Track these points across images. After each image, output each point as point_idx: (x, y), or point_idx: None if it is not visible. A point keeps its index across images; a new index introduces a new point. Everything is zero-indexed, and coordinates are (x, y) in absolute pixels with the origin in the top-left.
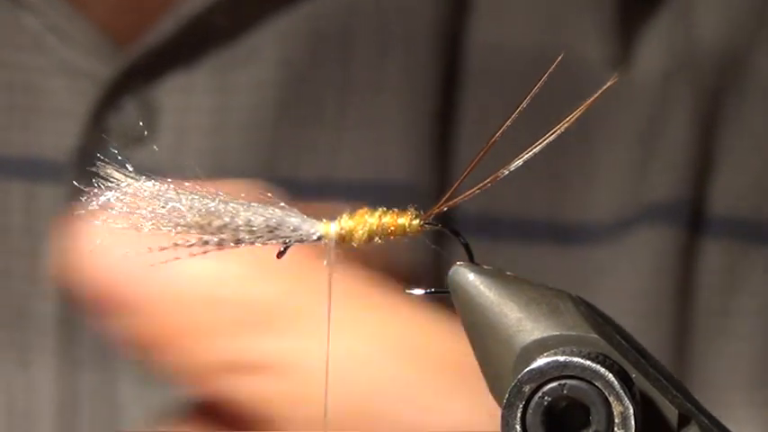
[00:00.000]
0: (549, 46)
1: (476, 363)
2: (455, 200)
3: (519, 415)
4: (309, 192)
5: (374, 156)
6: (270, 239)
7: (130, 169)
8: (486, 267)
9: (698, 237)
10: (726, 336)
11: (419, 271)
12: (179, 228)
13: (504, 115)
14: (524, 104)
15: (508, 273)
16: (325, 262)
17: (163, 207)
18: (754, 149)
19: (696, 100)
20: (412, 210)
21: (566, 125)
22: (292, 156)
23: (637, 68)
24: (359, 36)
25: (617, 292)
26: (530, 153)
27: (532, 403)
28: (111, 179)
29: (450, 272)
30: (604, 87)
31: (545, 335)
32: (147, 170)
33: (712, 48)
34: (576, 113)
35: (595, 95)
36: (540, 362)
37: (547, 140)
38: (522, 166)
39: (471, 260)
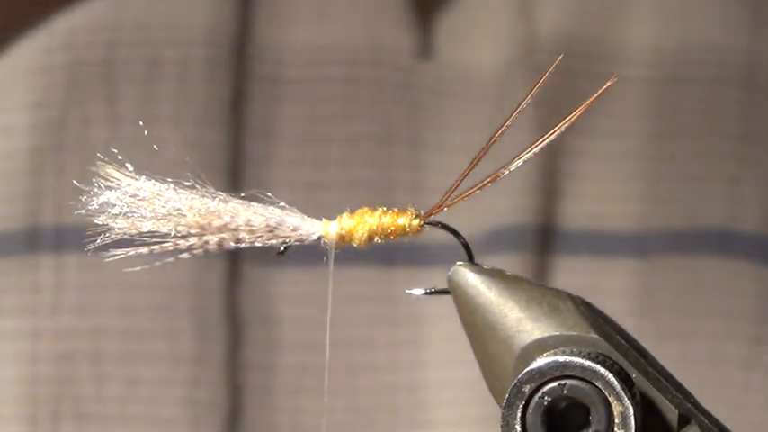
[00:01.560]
0: (361, 44)
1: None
2: (455, 200)
3: (519, 415)
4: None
5: None
6: (270, 239)
7: (130, 169)
8: (486, 267)
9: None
10: None
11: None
12: (179, 228)
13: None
14: (522, 106)
15: (508, 273)
16: (325, 260)
17: (163, 207)
18: (600, 157)
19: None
20: (412, 209)
21: (565, 125)
22: (57, 202)
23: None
24: (122, 69)
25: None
26: (529, 153)
27: (532, 403)
28: (111, 179)
29: (450, 272)
30: (603, 88)
31: (545, 335)
32: None
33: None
34: (576, 114)
35: (594, 96)
36: (540, 362)
37: (546, 140)
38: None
39: (471, 260)
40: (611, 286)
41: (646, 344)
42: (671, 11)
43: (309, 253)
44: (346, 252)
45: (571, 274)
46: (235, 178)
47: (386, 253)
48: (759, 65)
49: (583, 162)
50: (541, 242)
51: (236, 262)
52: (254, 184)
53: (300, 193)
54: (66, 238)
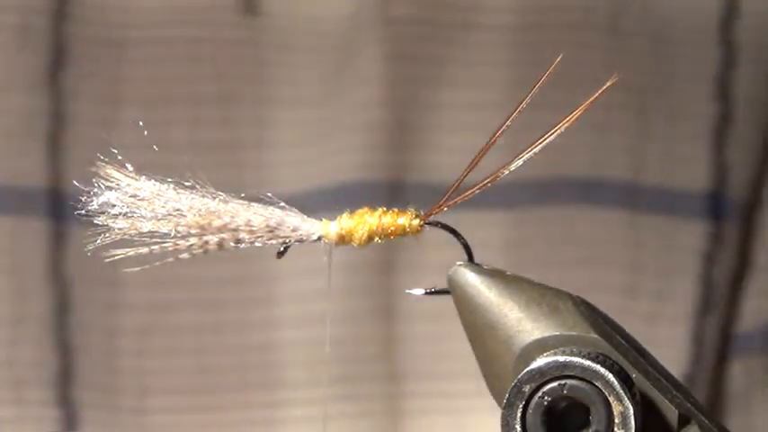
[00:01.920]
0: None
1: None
2: (455, 200)
3: (519, 415)
4: None
5: None
6: (270, 239)
7: (130, 169)
8: (486, 267)
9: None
10: None
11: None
12: (179, 228)
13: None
14: (527, 100)
15: (508, 273)
16: (325, 259)
17: (163, 207)
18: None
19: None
20: (412, 209)
21: (566, 124)
22: None
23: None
24: None
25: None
26: (530, 152)
27: (532, 403)
28: (111, 179)
29: (450, 272)
30: (604, 87)
31: (545, 335)
32: None
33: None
34: (578, 112)
35: (596, 95)
36: (540, 362)
37: (546, 140)
38: None
39: (471, 260)
40: (480, 238)
41: None
42: None
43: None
44: None
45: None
46: (55, 142)
47: None
48: (626, 11)
49: (441, 114)
50: (393, 197)
51: (61, 222)
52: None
53: (149, 155)
54: None
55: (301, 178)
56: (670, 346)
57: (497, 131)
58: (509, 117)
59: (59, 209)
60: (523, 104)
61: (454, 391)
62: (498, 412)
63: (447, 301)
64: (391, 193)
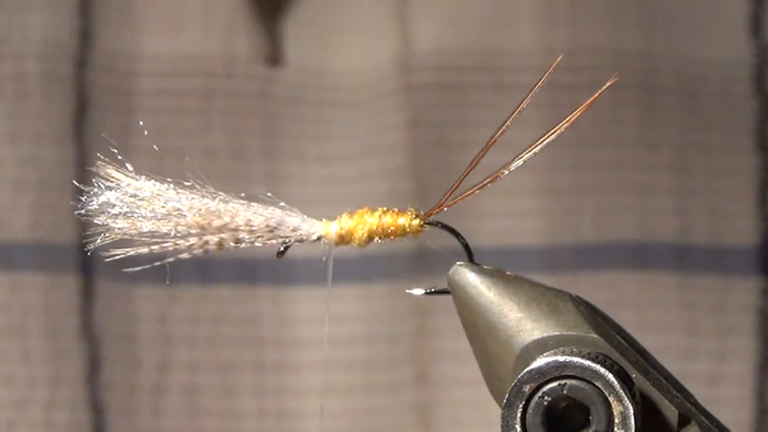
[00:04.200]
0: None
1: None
2: (455, 200)
3: (519, 415)
4: None
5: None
6: (270, 239)
7: (130, 169)
8: (486, 267)
9: None
10: None
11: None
12: (179, 228)
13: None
14: (521, 107)
15: (508, 273)
16: (324, 259)
17: (163, 207)
18: None
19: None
20: (412, 210)
21: (565, 126)
22: None
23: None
24: None
25: None
26: (529, 153)
27: (532, 403)
28: (111, 179)
29: (450, 272)
30: (603, 89)
31: (545, 335)
32: None
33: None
34: (575, 114)
35: (593, 97)
36: (540, 362)
37: (546, 140)
38: None
39: (471, 260)
40: None
41: None
42: (558, 15)
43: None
44: None
45: None
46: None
47: None
48: (656, 68)
49: (471, 176)
50: (419, 265)
51: (90, 278)
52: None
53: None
54: None
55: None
56: (733, 405)
57: (497, 132)
58: (509, 117)
59: (89, 264)
60: (523, 104)
61: None
62: None
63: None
64: (417, 261)
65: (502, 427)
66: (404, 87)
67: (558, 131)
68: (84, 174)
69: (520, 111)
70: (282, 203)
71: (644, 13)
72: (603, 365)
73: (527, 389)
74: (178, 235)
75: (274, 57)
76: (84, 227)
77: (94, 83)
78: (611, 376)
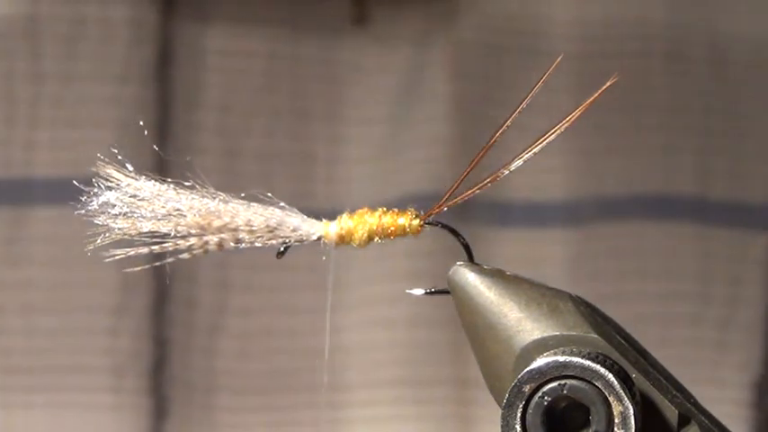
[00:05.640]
0: None
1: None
2: (455, 200)
3: (519, 415)
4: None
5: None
6: (270, 239)
7: (130, 169)
8: (486, 267)
9: None
10: None
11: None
12: (179, 228)
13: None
14: (524, 104)
15: (508, 273)
16: (324, 259)
17: (163, 207)
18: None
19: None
20: (412, 209)
21: (567, 123)
22: None
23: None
24: (45, 26)
25: None
26: (530, 152)
27: (532, 403)
28: (111, 179)
29: (450, 272)
30: (606, 86)
31: (545, 335)
32: None
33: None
34: (579, 111)
35: (596, 94)
36: (540, 362)
37: (547, 139)
38: None
39: (471, 260)
40: (548, 255)
41: None
42: None
43: None
44: None
45: (508, 244)
46: (161, 136)
47: None
48: (682, 36)
49: (515, 136)
50: (478, 214)
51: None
52: (178, 146)
53: (222, 161)
54: None
55: (371, 192)
56: (743, 348)
57: (497, 132)
58: (509, 117)
59: None
60: (523, 105)
61: None
62: None
63: None
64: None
65: (502, 427)
66: (450, 42)
67: (558, 131)
68: (164, 117)
69: (520, 111)
70: (282, 203)
71: None
72: (603, 365)
73: (527, 389)
74: (178, 235)
75: (359, 17)
76: (166, 164)
77: (179, 33)
78: (611, 376)
